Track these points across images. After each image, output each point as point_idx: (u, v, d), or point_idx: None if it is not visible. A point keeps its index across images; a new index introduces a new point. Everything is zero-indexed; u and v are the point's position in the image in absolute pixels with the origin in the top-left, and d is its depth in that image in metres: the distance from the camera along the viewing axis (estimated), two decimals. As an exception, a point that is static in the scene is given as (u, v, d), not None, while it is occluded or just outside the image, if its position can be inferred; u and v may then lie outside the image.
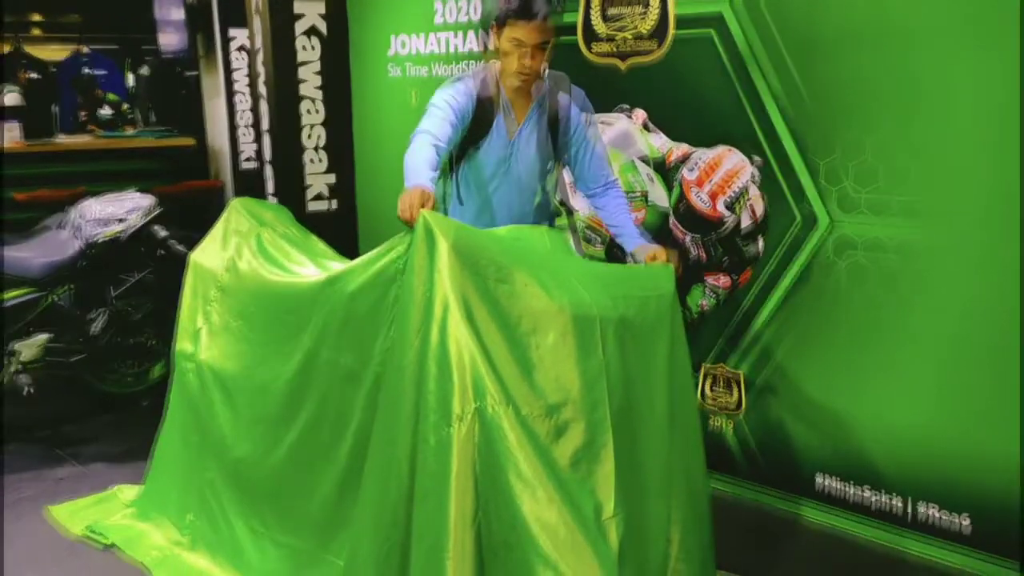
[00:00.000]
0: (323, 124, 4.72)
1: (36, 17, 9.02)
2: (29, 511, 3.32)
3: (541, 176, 2.87)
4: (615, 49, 3.44)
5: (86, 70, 7.25)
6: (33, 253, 3.99)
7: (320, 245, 3.03)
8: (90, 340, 4.12)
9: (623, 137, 3.50)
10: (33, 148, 5.29)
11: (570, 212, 3.49)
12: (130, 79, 8.04)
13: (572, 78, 3.60)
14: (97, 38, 8.01)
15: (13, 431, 4.08)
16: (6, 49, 6.81)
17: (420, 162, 2.44)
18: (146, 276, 4.28)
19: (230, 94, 5.10)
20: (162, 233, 4.25)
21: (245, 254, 2.95)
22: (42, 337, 4.00)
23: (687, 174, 3.32)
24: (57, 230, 4.17)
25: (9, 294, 3.89)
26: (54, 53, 8.91)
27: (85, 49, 7.50)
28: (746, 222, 3.19)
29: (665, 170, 3.40)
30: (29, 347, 3.95)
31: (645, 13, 3.32)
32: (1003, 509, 2.72)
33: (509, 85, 2.74)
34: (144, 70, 7.43)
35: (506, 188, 2.83)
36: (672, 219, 3.40)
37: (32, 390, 3.94)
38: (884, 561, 2.93)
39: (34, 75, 6.77)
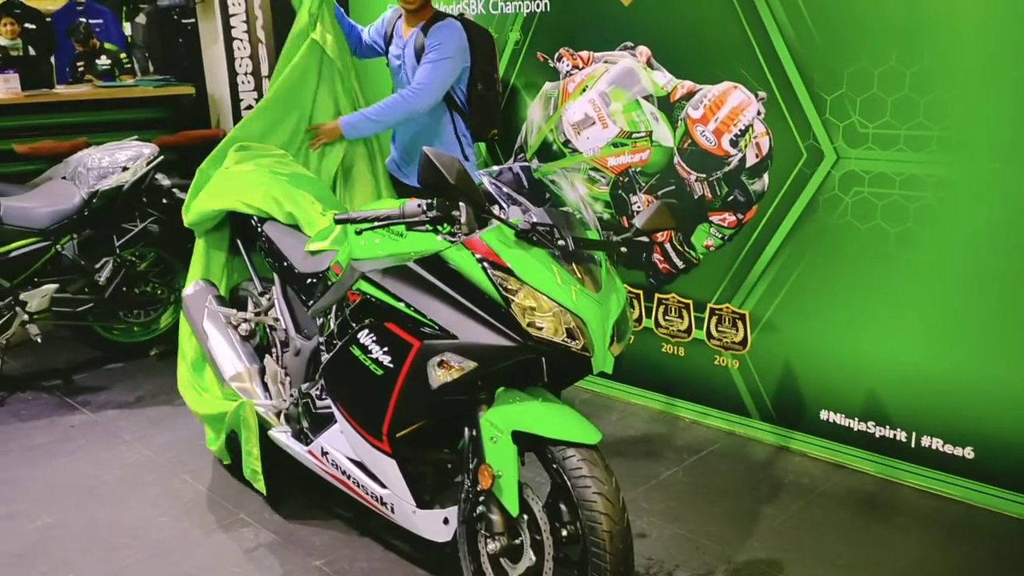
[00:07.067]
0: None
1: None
2: (43, 457, 3.37)
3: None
4: (618, -15, 3.37)
5: (82, 19, 7.16)
6: (37, 203, 3.97)
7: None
8: (97, 290, 4.12)
9: (627, 75, 3.45)
10: (31, 99, 5.23)
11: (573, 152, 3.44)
12: (127, 28, 7.94)
13: (576, 13, 3.55)
14: (93, -14, 7.89)
15: (24, 380, 4.12)
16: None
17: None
18: (149, 225, 4.27)
19: (228, 40, 5.01)
20: (165, 182, 4.22)
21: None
22: (49, 287, 4.01)
23: (692, 112, 3.28)
24: (59, 180, 4.15)
25: (15, 244, 3.89)
26: (50, 2, 8.78)
27: (81, -3, 7.41)
28: (751, 159, 3.16)
29: (670, 108, 3.35)
30: (36, 297, 3.96)
31: (648, -54, 3.25)
32: (1007, 441, 2.74)
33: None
34: (141, 18, 7.32)
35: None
36: (677, 158, 3.37)
37: (40, 340, 3.97)
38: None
39: (30, 25, 6.69)
